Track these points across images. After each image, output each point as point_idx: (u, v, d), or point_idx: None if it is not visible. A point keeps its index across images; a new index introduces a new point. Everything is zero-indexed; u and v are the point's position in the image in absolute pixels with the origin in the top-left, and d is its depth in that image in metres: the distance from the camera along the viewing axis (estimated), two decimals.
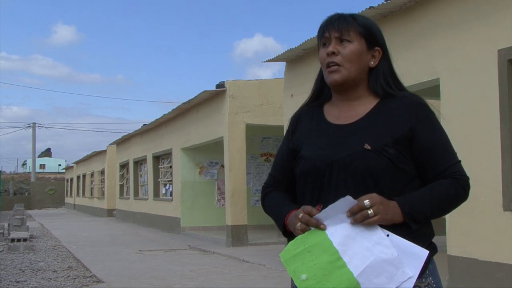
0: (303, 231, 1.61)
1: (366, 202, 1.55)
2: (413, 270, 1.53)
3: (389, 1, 6.36)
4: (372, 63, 1.77)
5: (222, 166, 13.81)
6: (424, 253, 1.56)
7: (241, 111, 12.06)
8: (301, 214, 1.62)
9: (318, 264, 1.54)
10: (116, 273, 8.38)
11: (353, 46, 1.73)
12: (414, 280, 1.52)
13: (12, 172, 62.86)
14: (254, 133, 14.16)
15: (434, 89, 6.20)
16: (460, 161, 1.72)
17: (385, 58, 1.79)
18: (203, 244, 12.20)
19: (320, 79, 1.87)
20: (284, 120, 9.79)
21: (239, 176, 11.92)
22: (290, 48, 8.73)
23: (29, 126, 42.95)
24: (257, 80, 12.47)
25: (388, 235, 1.56)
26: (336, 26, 1.74)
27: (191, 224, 15.06)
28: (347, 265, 1.53)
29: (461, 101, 5.82)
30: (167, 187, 17.28)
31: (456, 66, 5.90)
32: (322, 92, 1.88)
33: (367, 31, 1.75)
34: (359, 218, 1.55)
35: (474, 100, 5.68)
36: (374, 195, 1.57)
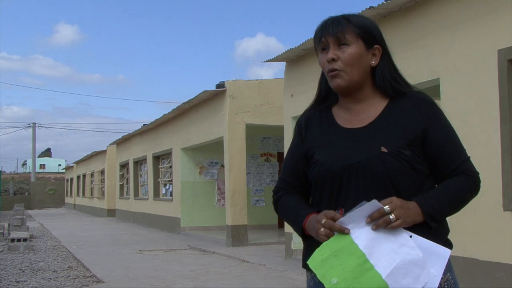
0: (327, 236, 1.59)
1: (387, 207, 1.55)
2: (437, 269, 1.55)
3: (389, 1, 6.36)
4: (373, 62, 1.75)
5: (222, 166, 13.81)
6: (446, 252, 1.59)
7: (241, 111, 12.06)
8: (324, 220, 1.60)
9: (347, 268, 1.55)
10: (116, 273, 8.37)
11: (351, 49, 1.71)
12: (439, 279, 1.54)
13: (12, 172, 62.85)
14: (254, 133, 14.16)
15: (434, 89, 6.19)
16: (469, 157, 1.74)
17: (386, 55, 1.78)
18: (203, 244, 12.19)
19: (325, 82, 1.84)
20: (284, 120, 9.78)
21: (239, 176, 11.93)
22: (290, 48, 8.72)
23: (29, 126, 42.96)
24: (257, 80, 12.47)
25: (411, 236, 1.57)
26: (331, 31, 1.72)
27: (191, 224, 15.06)
28: (374, 267, 1.53)
29: (461, 101, 5.81)
30: (167, 187, 17.27)
31: (456, 66, 5.89)
32: (328, 95, 1.85)
33: (363, 31, 1.73)
34: (381, 223, 1.55)
35: (474, 100, 5.68)
36: (394, 199, 1.57)
